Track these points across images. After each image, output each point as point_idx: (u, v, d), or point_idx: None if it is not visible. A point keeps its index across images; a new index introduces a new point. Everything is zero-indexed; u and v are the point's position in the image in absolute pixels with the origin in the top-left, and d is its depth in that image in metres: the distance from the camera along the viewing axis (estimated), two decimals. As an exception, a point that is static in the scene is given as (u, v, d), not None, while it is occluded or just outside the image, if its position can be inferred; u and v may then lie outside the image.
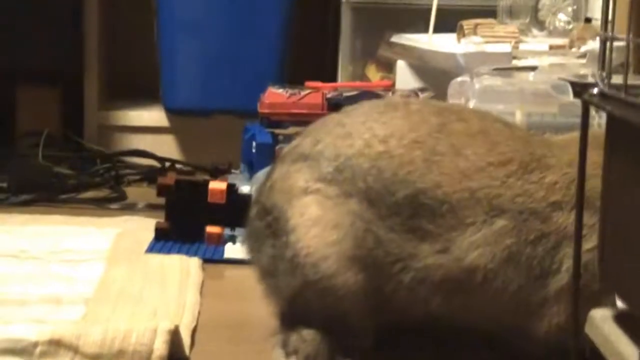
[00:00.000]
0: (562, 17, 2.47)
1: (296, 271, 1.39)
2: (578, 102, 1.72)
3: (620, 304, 1.23)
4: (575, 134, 1.30)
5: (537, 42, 2.40)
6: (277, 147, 2.24)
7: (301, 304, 1.42)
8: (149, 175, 2.64)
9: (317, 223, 1.39)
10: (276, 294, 1.47)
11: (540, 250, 1.39)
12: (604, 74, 1.16)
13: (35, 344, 1.39)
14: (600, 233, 1.18)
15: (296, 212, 1.40)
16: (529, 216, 1.39)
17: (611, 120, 1.15)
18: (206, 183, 2.05)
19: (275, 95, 2.29)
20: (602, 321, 1.17)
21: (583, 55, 2.26)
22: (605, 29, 1.18)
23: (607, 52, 1.16)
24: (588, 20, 2.54)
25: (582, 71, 2.21)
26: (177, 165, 2.72)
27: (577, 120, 1.34)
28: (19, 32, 2.75)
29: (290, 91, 2.30)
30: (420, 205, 1.38)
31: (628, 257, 1.11)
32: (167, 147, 2.82)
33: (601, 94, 1.16)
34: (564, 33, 2.42)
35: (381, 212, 1.40)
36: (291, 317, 1.46)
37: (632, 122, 1.08)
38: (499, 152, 1.41)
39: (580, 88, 1.82)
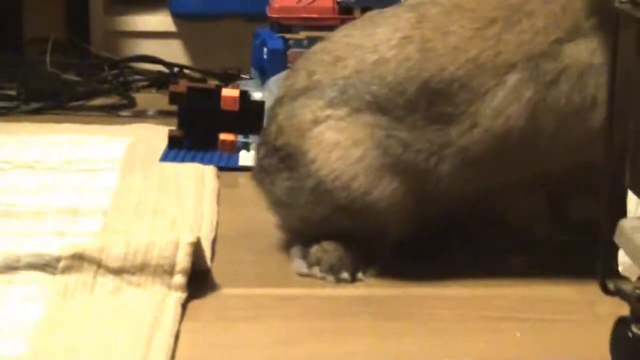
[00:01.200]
0: None
1: (324, 198, 1.40)
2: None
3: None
4: None
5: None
6: (288, 52, 2.23)
7: (328, 227, 1.42)
8: (157, 81, 2.61)
9: (336, 146, 1.40)
10: (295, 221, 1.48)
11: (565, 87, 1.39)
12: (635, -20, 1.13)
13: (59, 259, 1.38)
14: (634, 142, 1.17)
15: (313, 143, 1.41)
16: (539, 60, 1.39)
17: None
18: (219, 90, 2.02)
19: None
20: (632, 231, 1.16)
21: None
22: None
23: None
24: None
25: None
26: (186, 71, 2.69)
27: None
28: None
29: (300, -5, 2.27)
30: (433, 93, 1.39)
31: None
32: (175, 52, 2.79)
33: (632, 1, 1.14)
34: None
35: (397, 114, 1.40)
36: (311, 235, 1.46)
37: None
38: (480, 17, 1.42)
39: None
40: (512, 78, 1.39)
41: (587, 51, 1.39)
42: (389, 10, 1.52)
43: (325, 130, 1.41)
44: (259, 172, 1.52)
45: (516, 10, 1.42)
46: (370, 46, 1.43)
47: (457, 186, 1.41)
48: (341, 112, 1.41)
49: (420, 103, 1.40)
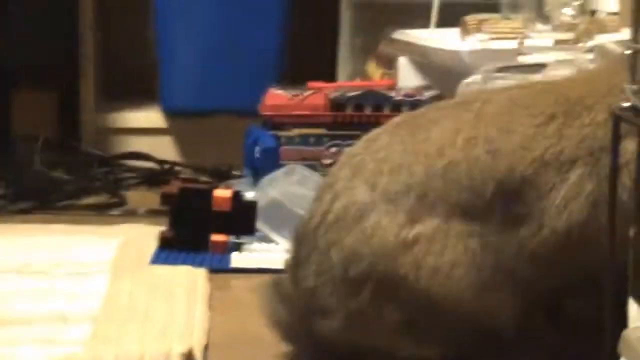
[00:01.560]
0: (568, 10, 2.43)
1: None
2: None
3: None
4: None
5: (541, 37, 2.37)
6: (280, 150, 2.22)
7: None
8: (148, 179, 2.62)
9: (437, 272, 1.33)
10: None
11: (626, 182, 1.33)
12: (635, 88, 1.13)
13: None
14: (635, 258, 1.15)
15: (409, 267, 1.33)
16: (600, 154, 1.36)
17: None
18: (211, 190, 2.01)
19: (277, 97, 2.27)
20: (638, 342, 1.13)
21: (590, 50, 2.23)
22: (636, 41, 1.14)
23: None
24: (594, 13, 2.51)
25: (591, 67, 2.18)
26: (177, 168, 2.69)
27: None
28: (13, 34, 2.71)
29: (292, 92, 2.28)
30: (507, 193, 1.35)
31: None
32: (166, 148, 2.79)
33: (633, 108, 1.13)
34: (570, 27, 2.38)
35: (481, 217, 1.36)
36: None
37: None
38: (539, 113, 1.39)
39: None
40: (575, 173, 1.36)
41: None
42: (431, 112, 1.47)
43: (421, 256, 1.33)
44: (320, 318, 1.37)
45: (575, 104, 1.39)
46: (434, 150, 1.37)
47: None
48: (429, 224, 1.34)
49: (498, 204, 1.35)
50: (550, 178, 1.36)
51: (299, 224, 1.42)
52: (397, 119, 1.48)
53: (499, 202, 1.35)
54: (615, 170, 1.14)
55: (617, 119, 1.13)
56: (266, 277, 1.47)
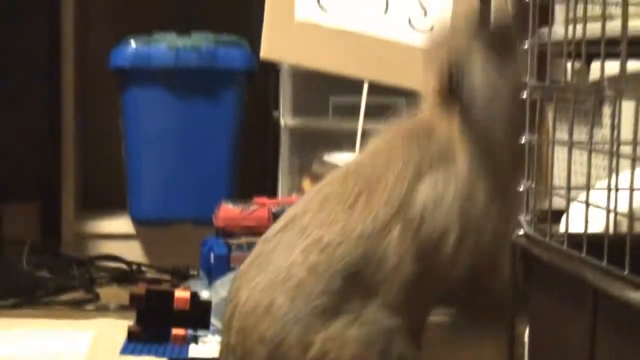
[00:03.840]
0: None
1: None
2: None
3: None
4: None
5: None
6: (231, 255, 2.20)
7: None
8: (119, 278, 2.58)
9: None
10: None
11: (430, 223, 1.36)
12: (528, 219, 1.13)
13: None
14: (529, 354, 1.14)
15: None
16: (406, 208, 1.37)
17: (536, 260, 1.11)
18: (172, 292, 1.97)
19: (229, 211, 2.25)
20: None
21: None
22: (528, 179, 1.14)
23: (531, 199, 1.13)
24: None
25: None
26: (143, 268, 2.65)
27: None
28: (1, 153, 2.68)
29: (241, 206, 2.26)
30: (353, 276, 1.33)
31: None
32: (134, 251, 2.75)
33: (526, 236, 1.13)
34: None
35: (346, 306, 1.32)
36: None
37: (556, 264, 1.04)
38: (347, 196, 1.36)
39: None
40: (394, 232, 1.33)
41: (430, 187, 1.36)
42: (270, 243, 1.37)
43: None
44: None
45: (372, 178, 1.37)
46: (282, 277, 1.31)
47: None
48: (319, 337, 1.30)
49: (351, 289, 1.31)
50: (379, 244, 1.33)
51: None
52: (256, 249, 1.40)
53: (351, 286, 1.31)
54: (516, 294, 1.13)
55: (514, 247, 1.13)
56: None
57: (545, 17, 1.28)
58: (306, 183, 2.68)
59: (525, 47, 1.12)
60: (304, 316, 1.28)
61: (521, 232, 1.13)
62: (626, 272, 0.90)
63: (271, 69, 2.80)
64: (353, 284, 1.32)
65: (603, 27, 0.99)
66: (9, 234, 2.73)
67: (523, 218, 1.13)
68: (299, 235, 1.34)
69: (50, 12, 2.70)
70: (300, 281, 1.31)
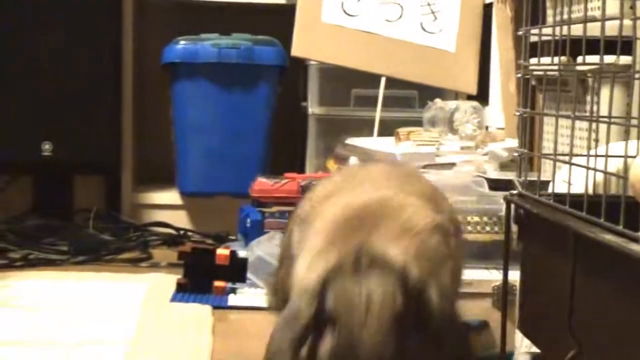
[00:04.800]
0: (470, 126, 2.46)
1: None
2: (492, 193, 1.69)
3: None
4: None
5: (451, 144, 2.39)
6: (265, 221, 2.21)
7: None
8: (168, 241, 2.59)
9: None
10: None
11: None
12: (520, 180, 1.13)
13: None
14: (520, 301, 1.14)
15: None
16: None
17: (527, 215, 1.11)
18: (214, 250, 1.99)
19: (263, 184, 2.26)
20: (522, 363, 1.13)
21: (486, 154, 2.25)
22: (521, 147, 1.15)
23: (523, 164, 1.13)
24: (487, 128, 2.53)
25: (486, 166, 2.19)
26: (189, 234, 2.67)
27: (491, 206, 1.32)
28: (74, 136, 2.70)
29: (273, 180, 2.27)
30: None
31: (539, 315, 1.07)
32: (181, 220, 2.76)
33: (519, 195, 1.13)
34: (471, 137, 2.41)
35: None
36: None
37: (543, 216, 1.05)
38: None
39: (492, 183, 1.79)
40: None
41: None
42: None
43: None
44: None
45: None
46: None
47: None
48: None
49: None
50: None
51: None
52: None
53: None
54: (508, 246, 1.13)
55: (508, 202, 1.14)
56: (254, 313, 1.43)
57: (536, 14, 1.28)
58: (330, 163, 2.69)
59: (519, 33, 1.12)
60: None
61: (515, 192, 1.13)
62: (602, 219, 0.90)
63: (301, 65, 2.81)
64: None
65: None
66: (78, 202, 2.76)
67: (517, 180, 1.13)
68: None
69: (113, 15, 2.71)
70: None
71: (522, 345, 1.21)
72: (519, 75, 1.12)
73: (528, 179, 1.12)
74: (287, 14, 2.56)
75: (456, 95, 2.72)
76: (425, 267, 0.94)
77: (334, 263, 0.94)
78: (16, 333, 1.64)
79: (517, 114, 1.12)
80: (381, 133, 2.56)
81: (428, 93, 2.67)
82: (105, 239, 2.51)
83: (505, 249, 1.13)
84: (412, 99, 2.77)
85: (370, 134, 2.58)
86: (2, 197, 2.74)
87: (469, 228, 1.71)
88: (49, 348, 1.55)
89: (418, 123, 2.56)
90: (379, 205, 1.03)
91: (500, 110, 2.49)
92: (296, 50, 2.51)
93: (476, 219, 1.69)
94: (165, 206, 2.78)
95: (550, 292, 1.05)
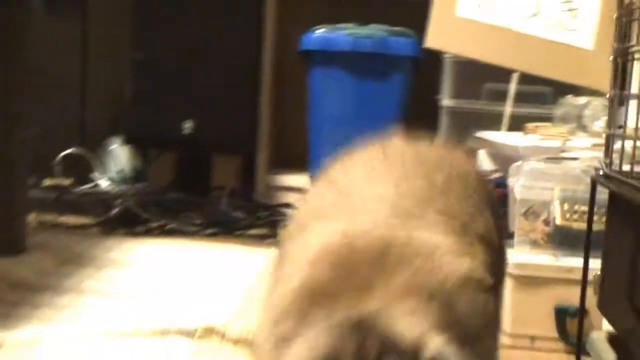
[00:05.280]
0: (599, 123, 2.41)
1: None
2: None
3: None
4: None
5: (581, 140, 2.35)
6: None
7: None
8: (296, 221, 2.65)
9: None
10: None
11: None
12: (607, 161, 1.14)
13: (195, 330, 1.41)
14: (601, 281, 1.15)
15: None
16: None
17: (611, 194, 1.12)
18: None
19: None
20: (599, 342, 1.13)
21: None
22: (609, 128, 1.15)
23: (610, 145, 1.14)
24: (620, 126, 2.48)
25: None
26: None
27: (600, 196, 1.33)
28: (214, 117, 2.82)
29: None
30: None
31: (616, 296, 1.08)
32: (311, 202, 2.82)
33: (605, 175, 1.13)
34: (600, 135, 2.36)
35: None
36: None
37: (627, 196, 1.05)
38: None
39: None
40: None
41: None
42: None
43: None
44: None
45: None
46: None
47: None
48: None
49: None
50: None
51: None
52: None
53: None
54: (590, 226, 1.14)
55: (593, 181, 1.14)
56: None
57: None
58: (459, 156, 2.70)
59: (615, 16, 1.13)
60: None
61: (601, 172, 1.14)
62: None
63: (436, 60, 2.82)
64: None
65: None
66: (216, 180, 2.88)
67: (603, 160, 1.14)
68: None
69: (256, 4, 2.82)
70: None
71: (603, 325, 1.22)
72: (612, 57, 1.13)
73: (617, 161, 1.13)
74: (423, 7, 2.59)
75: (591, 93, 2.67)
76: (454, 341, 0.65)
77: (327, 352, 0.65)
78: (136, 290, 1.77)
79: (608, 96, 1.13)
80: (513, 128, 2.53)
81: (563, 90, 2.63)
82: (236, 215, 2.61)
83: (588, 230, 1.14)
84: (545, 95, 2.73)
85: (500, 128, 2.57)
86: (149, 171, 2.90)
87: (576, 217, 1.70)
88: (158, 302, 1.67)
89: (550, 120, 2.53)
90: (382, 245, 0.75)
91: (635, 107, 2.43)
92: (430, 42, 2.54)
93: (583, 208, 1.68)
94: (296, 189, 2.84)
95: (627, 273, 1.05)
